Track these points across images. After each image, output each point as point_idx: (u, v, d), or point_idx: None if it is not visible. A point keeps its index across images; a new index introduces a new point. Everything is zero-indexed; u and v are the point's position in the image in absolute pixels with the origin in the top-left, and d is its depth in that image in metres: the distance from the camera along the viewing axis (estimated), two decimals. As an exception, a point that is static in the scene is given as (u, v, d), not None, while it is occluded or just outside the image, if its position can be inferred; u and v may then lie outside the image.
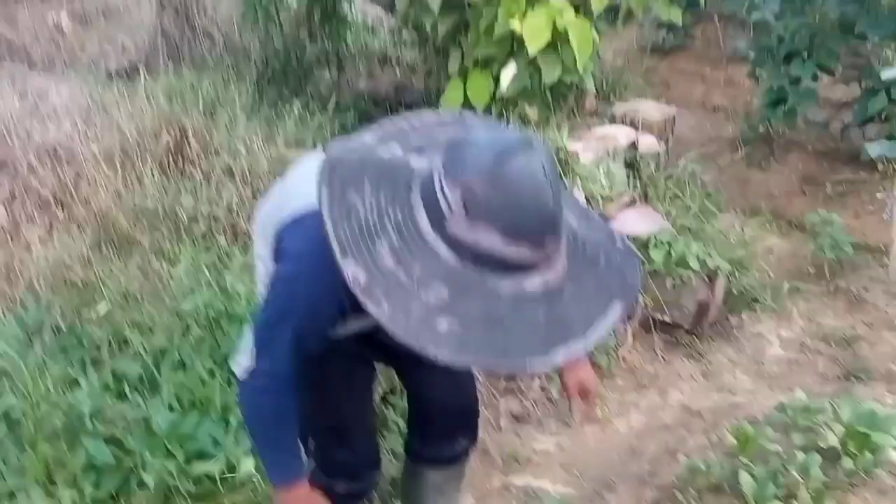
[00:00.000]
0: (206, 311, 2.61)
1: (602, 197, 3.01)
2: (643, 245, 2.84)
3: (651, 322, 2.90)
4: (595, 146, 3.23)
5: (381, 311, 1.00)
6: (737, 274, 3.05)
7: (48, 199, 4.00)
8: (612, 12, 4.60)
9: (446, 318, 1.01)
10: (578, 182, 3.00)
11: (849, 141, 4.30)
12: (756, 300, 3.11)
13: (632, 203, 3.04)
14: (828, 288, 3.21)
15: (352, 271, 1.02)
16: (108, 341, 2.65)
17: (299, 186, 1.31)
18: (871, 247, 3.36)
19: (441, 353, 1.00)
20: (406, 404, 1.95)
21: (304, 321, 1.31)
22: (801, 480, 1.91)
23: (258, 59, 5.41)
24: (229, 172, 4.14)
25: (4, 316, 3.02)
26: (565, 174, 3.07)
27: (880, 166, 3.93)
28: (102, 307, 2.86)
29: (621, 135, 3.34)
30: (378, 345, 1.53)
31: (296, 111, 4.41)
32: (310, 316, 1.32)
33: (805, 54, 4.21)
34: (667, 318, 2.88)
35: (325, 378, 1.58)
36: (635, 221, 2.92)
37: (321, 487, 1.65)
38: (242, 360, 1.36)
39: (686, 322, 2.87)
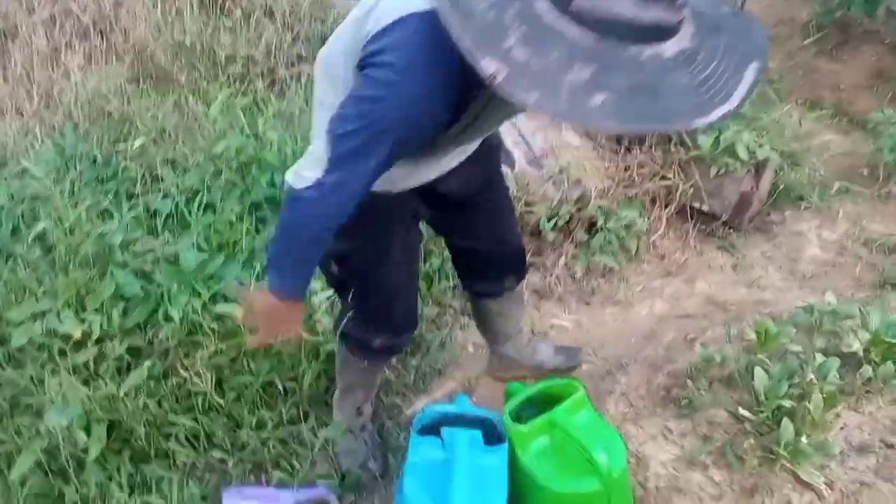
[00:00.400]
0: (237, 155, 2.59)
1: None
2: (690, 130, 2.70)
3: (688, 211, 2.81)
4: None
5: (531, 98, 0.99)
6: (786, 168, 2.91)
7: (88, 26, 3.94)
8: None
9: (599, 93, 0.99)
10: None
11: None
12: (802, 198, 2.99)
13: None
14: (880, 192, 3.05)
15: (492, 67, 0.99)
16: (142, 177, 2.66)
17: (390, 5, 1.22)
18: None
19: (607, 124, 1.00)
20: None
21: (402, 131, 1.22)
22: (816, 383, 1.89)
23: None
24: (269, 13, 4.00)
25: (43, 142, 3.04)
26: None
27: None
28: (138, 142, 2.85)
29: None
30: (433, 198, 1.61)
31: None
32: (410, 124, 1.22)
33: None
34: (705, 208, 2.79)
35: (386, 235, 1.62)
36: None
37: (356, 340, 1.75)
38: (306, 171, 1.27)
39: (725, 213, 2.78)
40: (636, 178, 2.73)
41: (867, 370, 1.98)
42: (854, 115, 3.58)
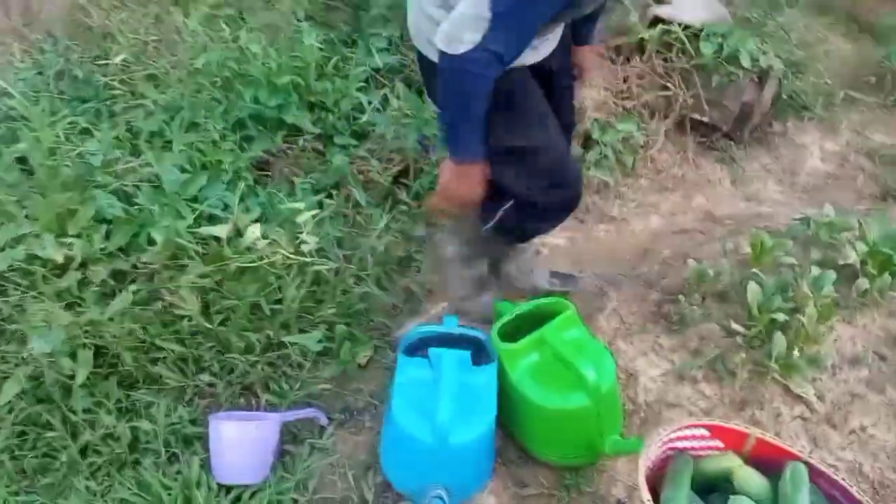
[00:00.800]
0: (219, 70, 2.49)
1: (658, -23, 2.68)
2: (694, 35, 2.58)
3: (688, 123, 2.72)
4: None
5: None
6: (790, 77, 2.80)
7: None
8: None
9: None
10: None
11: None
12: (805, 108, 2.90)
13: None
14: (885, 100, 2.95)
15: None
16: (123, 94, 2.57)
17: None
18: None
19: None
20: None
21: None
22: (811, 296, 1.86)
23: None
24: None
25: (22, 60, 2.93)
26: None
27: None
28: (118, 58, 2.74)
29: None
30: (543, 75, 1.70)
31: None
32: None
33: None
34: (705, 119, 2.69)
35: (531, 100, 1.67)
36: (693, 6, 2.64)
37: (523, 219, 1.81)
38: (466, 34, 1.36)
39: (725, 124, 2.69)
40: (634, 90, 2.63)
41: (863, 282, 1.95)
42: (864, 20, 3.43)
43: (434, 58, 1.48)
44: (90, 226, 2.01)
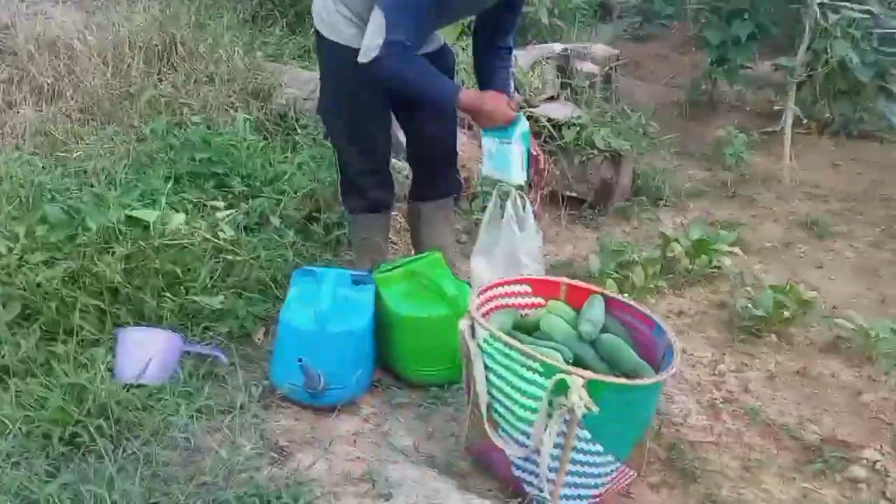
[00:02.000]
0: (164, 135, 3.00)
1: (531, 89, 3.39)
2: (557, 126, 3.22)
3: (560, 197, 3.26)
4: (532, 53, 3.62)
5: None
6: (646, 171, 3.42)
7: (43, 84, 4.40)
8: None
9: None
10: (514, 76, 3.38)
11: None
12: (660, 198, 3.48)
13: (555, 97, 3.42)
14: (727, 193, 3.58)
15: None
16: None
17: None
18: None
19: None
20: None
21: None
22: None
23: (253, -1, 5.77)
24: (210, 77, 4.54)
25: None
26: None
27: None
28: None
29: (557, 47, 3.73)
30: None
31: (277, 31, 4.81)
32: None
33: (745, 15, 4.61)
34: (573, 193, 3.24)
35: (366, 112, 2.18)
36: (555, 108, 3.31)
37: (357, 196, 2.28)
38: (374, 42, 1.90)
39: (589, 196, 3.23)
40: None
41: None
42: (715, 158, 4.18)
43: (326, 34, 2.02)
44: (34, 226, 2.34)
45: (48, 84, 4.39)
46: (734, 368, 2.16)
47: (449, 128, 2.37)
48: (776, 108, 4.10)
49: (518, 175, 2.06)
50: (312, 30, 2.34)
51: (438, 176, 2.39)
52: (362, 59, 1.95)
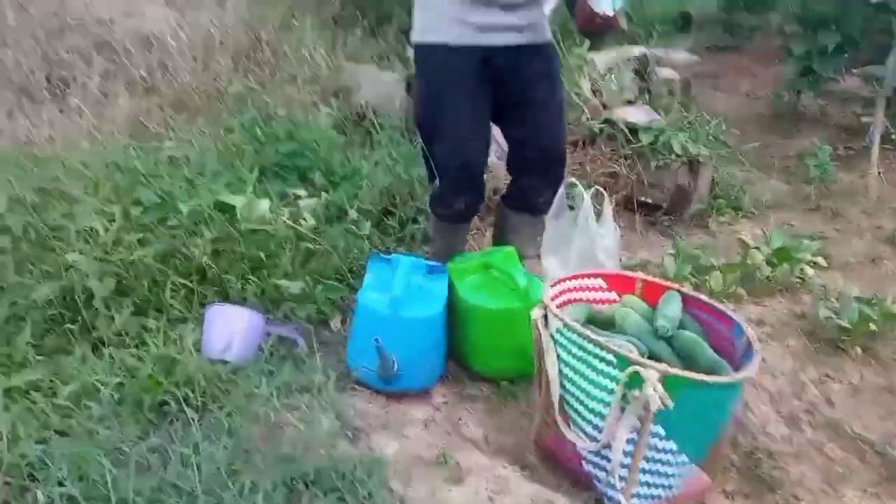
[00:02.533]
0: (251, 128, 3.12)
1: (607, 93, 3.38)
2: (634, 130, 3.20)
3: (635, 203, 3.23)
4: (610, 56, 3.61)
5: None
6: (725, 175, 3.36)
7: (137, 77, 4.63)
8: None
9: None
10: (588, 79, 3.39)
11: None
12: (739, 208, 3.40)
13: (633, 101, 3.40)
14: (809, 207, 3.48)
15: None
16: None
17: None
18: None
19: None
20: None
21: None
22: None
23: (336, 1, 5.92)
24: (293, 75, 4.69)
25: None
26: (580, 75, 3.46)
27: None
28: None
29: (636, 50, 3.71)
30: (493, 70, 2.06)
31: (358, 33, 4.93)
32: None
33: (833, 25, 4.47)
34: (648, 200, 3.21)
35: (455, 116, 2.08)
36: (632, 112, 3.29)
37: (447, 205, 2.21)
38: None
39: (665, 202, 3.19)
40: (588, 170, 3.18)
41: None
42: (794, 171, 4.07)
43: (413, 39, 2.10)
44: (129, 208, 2.47)
45: (141, 77, 4.62)
46: (816, 380, 2.10)
47: (558, 129, 2.25)
48: (864, 120, 3.96)
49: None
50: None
51: (541, 188, 2.27)
52: None
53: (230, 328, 1.96)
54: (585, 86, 3.33)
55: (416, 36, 2.16)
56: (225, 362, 1.93)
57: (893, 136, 4.10)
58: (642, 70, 3.61)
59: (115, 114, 4.09)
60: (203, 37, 4.71)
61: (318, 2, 6.04)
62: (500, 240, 2.41)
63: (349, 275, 2.49)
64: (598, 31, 2.09)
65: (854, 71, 4.04)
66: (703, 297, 1.74)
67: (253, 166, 2.92)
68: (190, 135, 3.52)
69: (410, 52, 4.28)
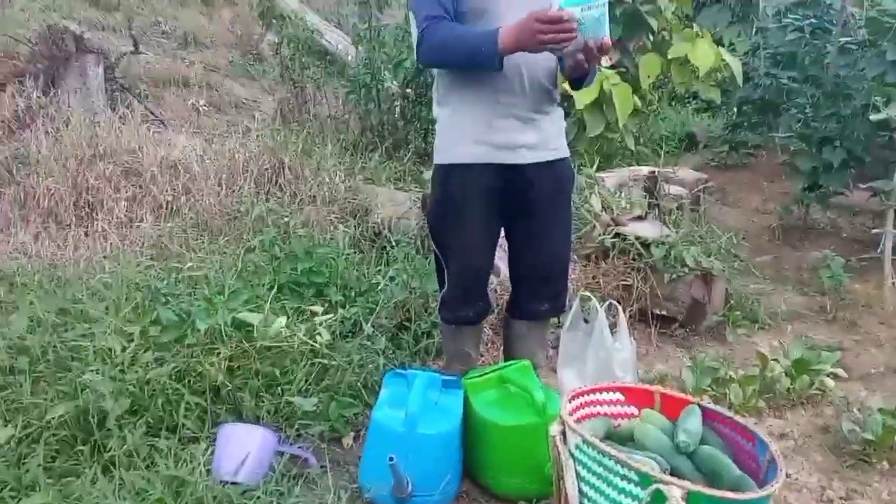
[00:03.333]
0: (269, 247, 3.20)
1: (618, 209, 3.46)
2: (646, 245, 3.24)
3: (649, 315, 3.23)
4: (620, 175, 3.72)
5: None
6: (738, 288, 3.37)
7: (162, 201, 4.80)
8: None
9: None
10: (599, 196, 3.48)
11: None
12: (756, 320, 3.39)
13: (643, 217, 3.47)
14: (826, 317, 3.45)
15: None
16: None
17: None
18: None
19: None
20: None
21: None
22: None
23: (356, 129, 6.21)
24: (313, 197, 4.85)
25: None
26: (590, 193, 3.56)
27: None
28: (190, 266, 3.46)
29: (644, 169, 3.82)
30: (512, 199, 2.13)
31: (376, 157, 5.14)
32: None
33: (837, 142, 4.60)
34: (663, 312, 3.20)
35: (468, 229, 2.15)
36: (643, 227, 3.34)
37: (454, 309, 2.24)
38: (414, 45, 1.97)
39: (680, 315, 3.18)
40: (602, 283, 3.21)
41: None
42: (809, 284, 4.06)
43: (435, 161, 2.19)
44: (147, 327, 2.51)
45: (167, 202, 4.79)
46: (843, 496, 2.02)
47: (563, 244, 2.27)
48: (874, 231, 4.00)
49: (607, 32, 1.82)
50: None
51: (541, 297, 2.28)
52: (418, 62, 2.07)
53: (242, 449, 1.94)
54: (596, 202, 3.41)
55: (438, 157, 2.22)
56: (236, 484, 1.90)
57: (905, 247, 4.12)
58: (651, 187, 3.70)
59: (138, 236, 4.22)
60: (228, 162, 4.91)
61: (339, 129, 6.35)
62: (508, 351, 2.40)
63: (363, 391, 2.48)
64: (589, 71, 2.02)
65: (861, 186, 4.11)
66: (724, 411, 1.70)
67: (271, 283, 2.98)
68: (210, 254, 3.62)
69: (426, 173, 4.44)
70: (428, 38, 1.95)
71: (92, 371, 2.22)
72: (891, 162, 4.10)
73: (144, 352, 2.42)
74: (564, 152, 2.23)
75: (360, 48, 5.99)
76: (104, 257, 3.71)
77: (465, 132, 2.11)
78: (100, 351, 2.35)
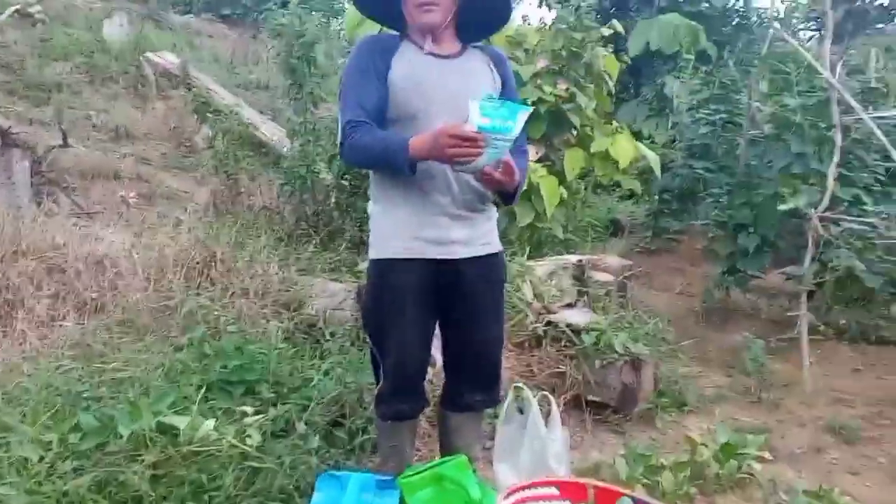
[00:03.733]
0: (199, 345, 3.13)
1: (549, 297, 3.54)
2: (577, 332, 3.32)
3: (583, 401, 3.27)
4: (549, 264, 3.84)
5: None
6: (661, 368, 3.46)
7: (87, 298, 4.66)
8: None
9: None
10: (530, 285, 3.56)
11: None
12: (685, 404, 3.48)
13: (572, 304, 3.57)
14: (751, 398, 3.57)
15: None
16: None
17: None
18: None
19: None
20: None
21: (361, 58, 2.11)
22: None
23: (290, 219, 6.21)
24: (245, 290, 4.79)
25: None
26: (522, 281, 3.64)
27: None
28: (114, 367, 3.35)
29: (572, 258, 3.95)
30: (444, 291, 2.16)
31: (311, 248, 5.14)
32: (365, 54, 2.11)
33: (750, 228, 4.87)
34: (597, 398, 3.26)
35: (402, 324, 2.15)
36: (573, 314, 3.43)
37: (389, 404, 2.22)
38: (339, 139, 2.08)
39: (612, 400, 3.24)
40: (535, 371, 3.25)
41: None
42: (731, 365, 4.21)
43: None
44: (67, 434, 2.41)
45: (92, 298, 4.64)
46: (775, 582, 2.05)
47: (496, 332, 2.30)
48: (789, 314, 4.20)
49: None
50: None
51: (475, 387, 2.30)
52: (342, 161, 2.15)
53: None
54: (527, 290, 3.49)
55: (371, 252, 2.25)
56: None
57: (820, 328, 4.34)
58: (580, 275, 3.82)
59: (60, 335, 4.07)
60: (157, 256, 4.82)
61: (273, 220, 6.35)
62: (444, 444, 2.39)
63: (296, 493, 2.40)
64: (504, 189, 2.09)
65: (777, 272, 4.35)
66: (655, 502, 1.73)
67: (200, 383, 2.91)
68: (136, 353, 3.52)
69: (361, 264, 4.46)
70: (348, 142, 2.05)
71: (6, 484, 2.10)
72: (802, 247, 4.36)
73: (63, 461, 2.31)
74: (497, 247, 2.28)
75: (294, 140, 6.07)
76: (23, 359, 3.56)
77: (397, 228, 2.15)
78: (15, 461, 2.23)
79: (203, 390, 2.75)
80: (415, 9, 2.08)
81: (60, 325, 4.21)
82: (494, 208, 2.31)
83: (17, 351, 3.90)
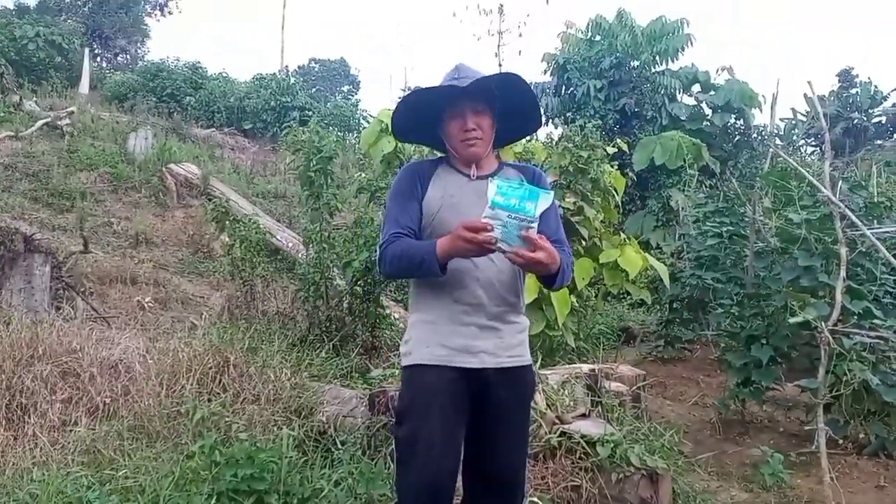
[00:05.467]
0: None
1: (562, 406, 3.53)
2: (591, 443, 3.29)
3: (599, 517, 3.20)
4: (562, 372, 3.84)
5: None
6: (678, 482, 3.39)
7: (99, 402, 4.66)
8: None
9: None
10: (543, 394, 3.56)
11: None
12: (702, 515, 3.39)
13: (587, 414, 3.54)
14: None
15: None
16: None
17: None
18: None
19: None
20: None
21: (402, 183, 2.29)
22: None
23: (303, 324, 6.26)
24: (257, 396, 4.78)
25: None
26: (535, 392, 3.64)
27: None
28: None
29: (585, 367, 3.96)
30: (474, 402, 2.17)
31: (323, 353, 5.17)
32: (405, 180, 2.29)
33: (763, 340, 4.87)
34: (612, 513, 3.18)
35: (432, 428, 2.13)
36: (587, 425, 3.40)
37: None
38: (377, 255, 2.24)
39: (629, 517, 3.16)
40: (550, 484, 3.19)
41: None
42: (755, 479, 4.11)
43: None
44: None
45: (104, 403, 4.64)
46: None
47: (519, 453, 2.27)
48: (807, 428, 4.14)
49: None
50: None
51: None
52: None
53: None
54: (541, 400, 3.48)
55: (403, 360, 2.29)
56: None
57: (839, 442, 4.26)
58: (593, 385, 3.82)
59: (71, 440, 4.05)
60: (171, 361, 4.85)
61: (287, 325, 6.41)
62: None
63: None
64: (543, 271, 2.12)
65: (789, 384, 4.32)
66: None
67: (210, 492, 2.88)
68: (147, 461, 3.49)
69: (373, 371, 4.47)
70: (385, 254, 2.19)
71: None
72: (816, 358, 4.35)
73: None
74: (527, 360, 2.29)
75: (310, 248, 6.21)
76: (33, 464, 3.54)
77: (428, 336, 2.22)
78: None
79: (213, 500, 2.73)
80: (460, 144, 2.27)
81: (72, 430, 4.21)
82: (526, 321, 2.35)
83: (27, 456, 3.88)
